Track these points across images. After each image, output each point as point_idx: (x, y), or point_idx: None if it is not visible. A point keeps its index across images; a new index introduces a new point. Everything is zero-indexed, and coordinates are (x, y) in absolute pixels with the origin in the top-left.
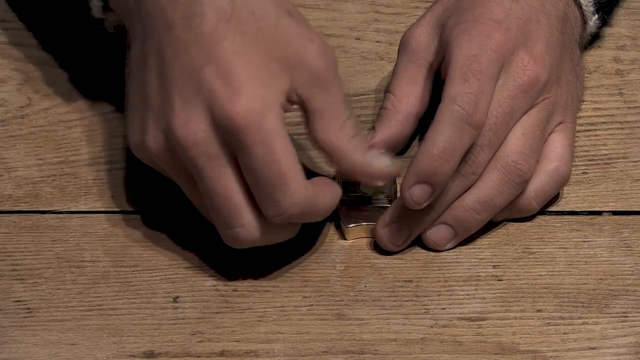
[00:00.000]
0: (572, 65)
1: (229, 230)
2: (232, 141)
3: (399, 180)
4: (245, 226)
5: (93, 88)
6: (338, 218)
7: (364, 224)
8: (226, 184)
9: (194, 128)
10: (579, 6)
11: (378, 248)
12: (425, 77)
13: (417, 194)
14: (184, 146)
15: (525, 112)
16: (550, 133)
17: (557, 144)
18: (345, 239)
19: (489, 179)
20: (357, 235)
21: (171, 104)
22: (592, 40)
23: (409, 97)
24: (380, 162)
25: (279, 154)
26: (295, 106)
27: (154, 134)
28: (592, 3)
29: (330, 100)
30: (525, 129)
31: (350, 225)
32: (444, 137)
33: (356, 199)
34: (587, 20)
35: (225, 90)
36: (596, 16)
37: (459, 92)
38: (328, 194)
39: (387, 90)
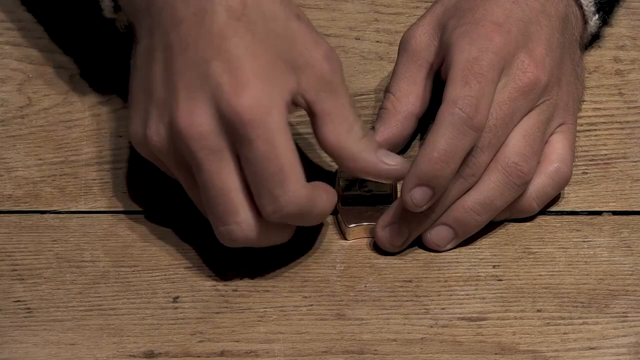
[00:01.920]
0: (573, 66)
1: (222, 227)
2: (235, 135)
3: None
4: (240, 223)
5: (105, 86)
6: (338, 218)
7: (364, 223)
8: (224, 178)
9: (197, 120)
10: (580, 6)
11: (378, 248)
12: (425, 77)
13: (418, 196)
14: (186, 138)
15: (526, 114)
16: (551, 134)
17: (558, 145)
18: (345, 239)
19: (489, 181)
20: (358, 235)
21: (176, 97)
22: (593, 40)
23: (409, 97)
24: (391, 160)
25: (281, 150)
26: (297, 109)
27: (156, 127)
28: (592, 3)
29: (338, 103)
30: (525, 131)
31: (351, 225)
32: (444, 139)
33: (356, 198)
34: (587, 20)
35: (232, 84)
36: (597, 16)
37: (460, 95)
38: (325, 198)
39: (387, 90)
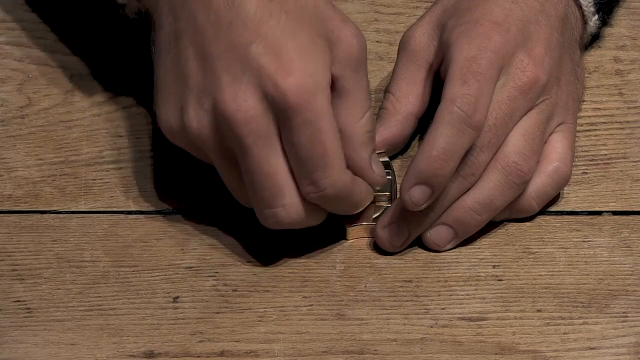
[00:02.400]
0: (572, 66)
1: (268, 210)
2: (281, 118)
3: (399, 180)
4: (286, 206)
5: (105, 86)
6: (338, 218)
7: (364, 224)
8: (272, 162)
9: (244, 104)
10: (579, 7)
11: (378, 248)
12: (424, 77)
13: (417, 195)
14: (233, 123)
15: (525, 114)
16: (551, 134)
17: (557, 144)
18: (345, 239)
19: (489, 180)
20: (357, 235)
21: (218, 81)
22: (592, 40)
23: (409, 97)
24: (378, 168)
25: (326, 134)
26: None
27: (195, 113)
28: (592, 3)
29: (359, 84)
30: (525, 130)
31: (351, 226)
32: (443, 138)
33: None
34: (587, 21)
35: (277, 66)
36: (596, 16)
37: (458, 94)
38: (364, 188)
39: (386, 90)
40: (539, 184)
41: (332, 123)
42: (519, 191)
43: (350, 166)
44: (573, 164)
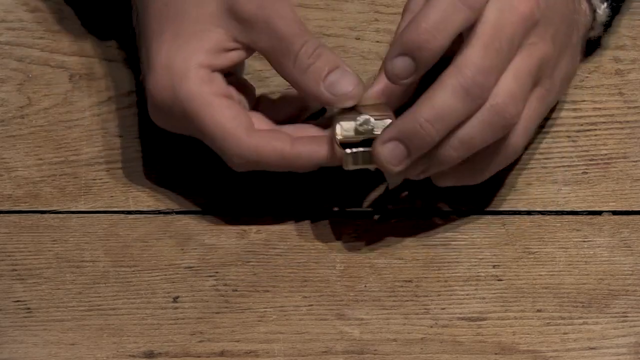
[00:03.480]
0: (569, 43)
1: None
2: None
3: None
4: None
5: (105, 86)
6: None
7: (362, 149)
8: None
9: None
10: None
11: (378, 248)
12: None
13: (400, 66)
14: None
15: (518, 50)
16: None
17: (526, 109)
18: (343, 168)
19: (475, 118)
20: (356, 165)
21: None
22: (605, 29)
23: None
24: (339, 89)
25: (204, 119)
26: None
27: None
28: None
29: (273, 38)
30: (517, 72)
31: (349, 150)
32: (436, 11)
33: (360, 143)
34: (595, 9)
35: (147, 73)
36: (605, 4)
37: None
38: (277, 145)
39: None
40: (466, 129)
41: (206, 103)
42: (500, 134)
43: (316, 103)
44: (573, 163)
